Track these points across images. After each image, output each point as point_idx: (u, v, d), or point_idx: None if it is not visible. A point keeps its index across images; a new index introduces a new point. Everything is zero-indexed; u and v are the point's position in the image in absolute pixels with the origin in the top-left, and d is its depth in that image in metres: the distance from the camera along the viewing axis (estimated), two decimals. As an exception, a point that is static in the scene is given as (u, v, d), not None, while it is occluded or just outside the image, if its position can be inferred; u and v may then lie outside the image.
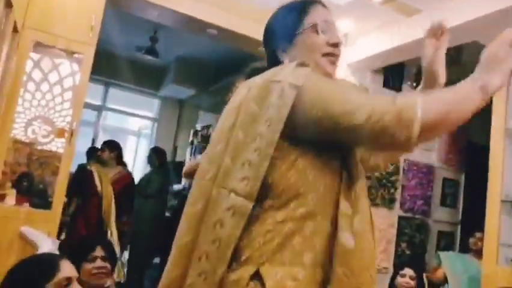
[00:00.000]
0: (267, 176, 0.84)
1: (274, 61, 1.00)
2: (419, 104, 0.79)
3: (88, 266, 1.80)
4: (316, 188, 0.86)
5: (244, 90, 0.93)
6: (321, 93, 0.85)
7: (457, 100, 0.83)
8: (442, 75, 1.07)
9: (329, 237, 0.85)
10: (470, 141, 4.15)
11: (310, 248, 0.83)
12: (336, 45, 0.98)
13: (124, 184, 3.56)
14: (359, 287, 0.83)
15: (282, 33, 1.00)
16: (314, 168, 0.86)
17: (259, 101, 0.87)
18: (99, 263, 1.84)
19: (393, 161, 1.07)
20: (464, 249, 3.37)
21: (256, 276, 0.80)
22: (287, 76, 0.87)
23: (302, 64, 0.90)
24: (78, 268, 1.59)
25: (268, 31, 1.05)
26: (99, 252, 1.86)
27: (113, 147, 3.65)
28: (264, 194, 0.85)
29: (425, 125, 0.78)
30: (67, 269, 1.33)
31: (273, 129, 0.84)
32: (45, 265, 1.33)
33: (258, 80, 0.92)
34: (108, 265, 1.86)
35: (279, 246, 0.82)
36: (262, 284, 0.79)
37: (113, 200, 3.34)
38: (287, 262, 0.81)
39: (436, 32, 1.05)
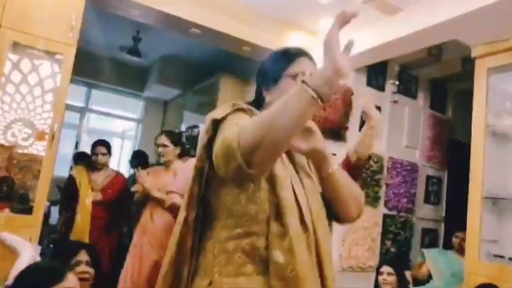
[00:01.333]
0: (212, 201, 1.05)
1: (258, 95, 1.18)
2: (236, 135, 0.85)
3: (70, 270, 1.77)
4: (247, 211, 0.99)
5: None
6: (218, 133, 0.99)
7: (275, 112, 0.83)
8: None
9: (266, 250, 0.97)
10: (452, 138, 4.22)
11: (251, 260, 0.97)
12: None
13: (118, 190, 3.27)
14: None
15: (268, 74, 1.15)
16: (245, 194, 0.99)
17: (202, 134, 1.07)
18: (82, 267, 1.80)
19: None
20: (448, 245, 3.43)
21: (210, 286, 0.97)
22: (212, 113, 1.04)
23: (233, 105, 1.05)
24: None
25: (260, 69, 1.20)
26: (83, 256, 1.83)
27: (109, 147, 3.37)
28: (214, 215, 1.04)
29: (246, 152, 0.83)
30: (72, 280, 1.41)
31: (198, 158, 1.05)
32: (52, 272, 1.40)
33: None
34: (91, 270, 1.83)
35: (224, 260, 0.98)
36: None
37: (89, 213, 3.08)
38: (233, 274, 0.97)
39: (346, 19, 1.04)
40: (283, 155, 1.05)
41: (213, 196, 1.04)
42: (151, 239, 2.61)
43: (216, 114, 1.02)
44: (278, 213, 0.98)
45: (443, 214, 4.12)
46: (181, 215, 1.05)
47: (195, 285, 1.01)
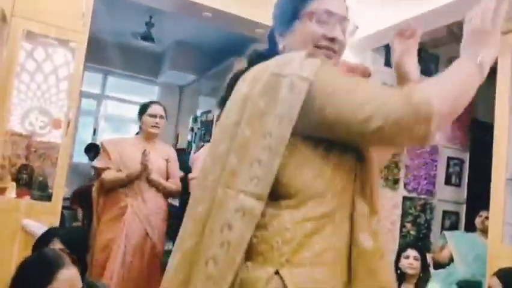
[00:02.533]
0: (280, 175, 0.81)
1: (272, 43, 0.97)
2: (433, 98, 0.77)
3: None
4: (334, 186, 0.83)
5: (246, 84, 0.88)
6: (333, 94, 0.80)
7: (461, 85, 0.82)
8: (413, 76, 1.06)
9: (347, 236, 0.83)
10: (474, 118, 4.08)
11: (330, 247, 0.81)
12: (332, 40, 0.92)
13: None
14: (382, 286, 0.82)
15: (282, 16, 0.96)
16: (330, 166, 0.83)
17: (266, 96, 0.82)
18: None
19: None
20: (470, 228, 3.35)
21: (276, 277, 0.77)
22: (296, 69, 0.82)
23: (311, 55, 0.85)
24: None
25: (273, 11, 1.00)
26: (56, 245, 1.70)
27: None
28: (279, 194, 0.82)
29: (440, 118, 0.77)
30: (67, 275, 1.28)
31: (284, 125, 0.79)
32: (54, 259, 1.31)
33: (262, 72, 0.86)
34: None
35: (298, 246, 0.79)
36: (284, 286, 0.76)
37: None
38: (307, 263, 0.78)
39: (404, 33, 1.05)
40: None
41: (282, 171, 0.81)
42: (144, 220, 2.44)
43: (304, 71, 0.81)
44: (363, 187, 0.85)
45: (465, 196, 4.02)
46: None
47: (249, 276, 0.78)
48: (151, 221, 2.45)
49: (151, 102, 2.72)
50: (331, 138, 0.84)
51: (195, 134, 5.27)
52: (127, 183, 2.45)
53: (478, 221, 3.13)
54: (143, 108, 2.65)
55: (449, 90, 0.81)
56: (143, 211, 2.44)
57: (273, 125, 0.80)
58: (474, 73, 0.82)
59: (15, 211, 2.41)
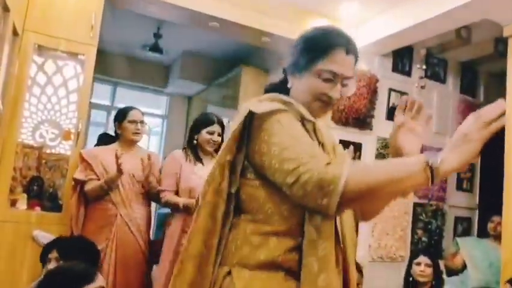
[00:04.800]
0: (241, 192, 1.00)
1: (284, 78, 1.11)
2: (343, 178, 0.82)
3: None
4: (281, 211, 0.97)
5: None
6: (273, 143, 0.93)
7: (389, 177, 0.84)
8: (407, 153, 1.03)
9: (291, 251, 0.96)
10: (485, 123, 4.03)
11: (273, 258, 0.95)
12: (330, 98, 1.04)
13: None
14: None
15: (296, 62, 1.06)
16: (279, 193, 0.94)
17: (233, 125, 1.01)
18: (53, 264, 1.88)
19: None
20: (483, 234, 3.29)
21: (229, 275, 0.95)
22: (252, 103, 0.99)
23: (274, 99, 1.01)
24: None
25: (292, 51, 1.09)
26: (53, 254, 1.91)
27: None
28: (242, 208, 1.01)
29: (345, 198, 0.83)
30: (100, 279, 1.49)
31: (225, 149, 0.99)
32: (83, 273, 1.46)
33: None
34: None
35: (247, 253, 0.96)
36: (233, 282, 0.94)
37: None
38: (253, 267, 0.95)
39: (403, 107, 1.05)
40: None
41: (242, 189, 1.00)
42: (134, 228, 2.39)
43: (255, 107, 0.96)
44: (313, 217, 0.94)
45: (477, 202, 3.96)
46: (206, 208, 0.99)
47: (216, 273, 0.98)
48: (141, 231, 2.40)
49: (129, 108, 2.58)
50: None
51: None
52: (109, 190, 2.36)
53: (490, 226, 3.08)
54: (122, 115, 2.54)
55: (367, 177, 0.84)
56: (133, 220, 2.38)
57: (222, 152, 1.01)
58: (414, 173, 0.81)
59: (26, 222, 2.44)
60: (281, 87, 1.09)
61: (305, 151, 0.89)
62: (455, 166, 0.81)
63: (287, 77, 1.09)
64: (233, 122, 0.99)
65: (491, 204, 3.15)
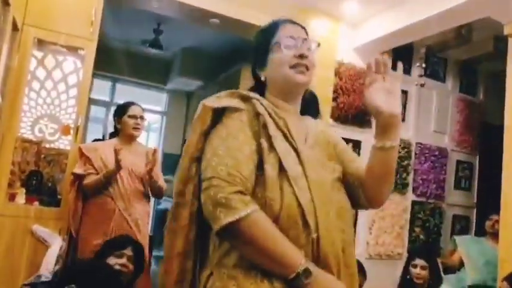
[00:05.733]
0: None
1: (255, 76, 1.12)
2: (230, 218, 0.85)
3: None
4: None
5: None
6: (210, 142, 0.97)
7: (269, 253, 0.87)
8: (383, 112, 0.95)
9: None
10: (484, 121, 4.05)
11: (242, 262, 0.92)
12: (301, 56, 1.03)
13: None
14: None
15: (257, 54, 1.09)
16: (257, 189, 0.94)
17: None
18: (124, 260, 1.96)
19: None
20: (481, 232, 3.31)
21: (211, 276, 0.95)
22: (209, 99, 1.00)
23: (233, 94, 1.01)
24: None
25: (251, 52, 1.13)
26: (128, 251, 1.99)
27: None
28: None
29: (230, 233, 0.87)
30: None
31: (191, 145, 0.99)
32: None
33: None
34: (131, 266, 1.97)
35: (224, 253, 0.94)
36: (215, 284, 0.93)
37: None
38: (231, 266, 0.93)
39: (372, 65, 0.98)
40: (280, 141, 0.97)
41: None
42: (133, 224, 2.38)
43: (212, 102, 0.99)
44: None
45: (475, 200, 3.98)
46: (186, 208, 0.99)
47: (200, 276, 0.99)
48: (139, 225, 2.39)
49: (130, 103, 2.58)
50: None
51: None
52: (107, 184, 2.35)
53: (488, 224, 3.09)
54: (122, 110, 2.55)
55: (259, 240, 0.87)
56: (132, 215, 2.37)
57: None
58: (286, 269, 0.87)
59: (24, 217, 2.43)
60: (256, 87, 1.11)
61: (230, 166, 0.90)
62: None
63: (259, 76, 1.10)
64: (194, 119, 1.00)
65: (489, 203, 3.16)
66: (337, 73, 3.33)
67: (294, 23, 1.10)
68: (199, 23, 3.36)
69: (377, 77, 0.96)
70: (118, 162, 2.28)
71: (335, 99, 3.33)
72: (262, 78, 1.08)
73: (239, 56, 4.68)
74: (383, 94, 0.95)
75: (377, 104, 0.94)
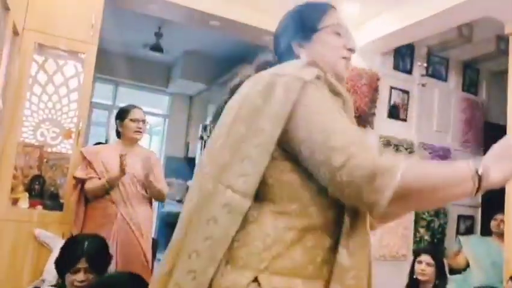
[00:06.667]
0: (267, 176, 0.81)
1: (288, 54, 0.97)
2: (399, 172, 0.71)
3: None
4: (321, 199, 0.82)
5: (248, 85, 0.89)
6: (314, 112, 0.80)
7: (442, 181, 0.75)
8: None
9: (329, 251, 0.82)
10: (487, 121, 4.02)
11: (311, 261, 0.80)
12: (351, 50, 0.98)
13: None
14: None
15: (302, 27, 0.97)
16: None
17: (264, 95, 0.82)
18: (81, 276, 1.72)
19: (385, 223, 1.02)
20: (486, 233, 3.28)
21: (254, 283, 0.77)
22: (294, 70, 0.83)
23: (311, 64, 0.87)
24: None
25: (286, 23, 1.02)
26: (82, 264, 1.73)
27: None
28: (264, 195, 0.82)
29: (398, 196, 0.72)
30: None
31: (276, 123, 0.79)
32: None
33: (265, 74, 0.87)
34: (90, 276, 1.73)
35: (279, 254, 0.78)
36: None
37: None
38: (286, 272, 0.78)
39: None
40: None
41: (268, 171, 0.81)
42: (135, 228, 2.35)
43: (301, 73, 0.82)
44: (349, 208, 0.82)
45: (480, 200, 3.95)
46: None
47: (225, 279, 0.78)
48: (141, 229, 2.36)
49: (131, 107, 2.57)
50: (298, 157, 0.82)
51: (205, 142, 5.29)
52: (109, 189, 2.33)
53: (493, 224, 3.06)
54: (124, 113, 2.53)
55: (427, 179, 0.75)
56: (134, 219, 2.35)
57: (266, 123, 0.80)
58: (464, 180, 0.74)
59: (27, 221, 2.43)
60: (279, 62, 0.97)
61: (357, 131, 0.79)
62: (500, 179, 0.75)
63: (294, 49, 0.97)
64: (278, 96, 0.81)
65: (494, 203, 3.13)
66: (338, 74, 3.32)
67: (335, 8, 1.01)
68: (199, 25, 3.37)
69: None
70: (123, 168, 2.27)
71: (352, 110, 3.32)
72: (303, 56, 0.95)
73: (240, 57, 4.67)
74: None
75: None
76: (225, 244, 0.78)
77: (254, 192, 0.79)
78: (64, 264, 1.76)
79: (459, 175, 0.75)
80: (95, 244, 1.83)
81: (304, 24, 0.97)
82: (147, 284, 1.55)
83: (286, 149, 0.82)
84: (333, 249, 0.82)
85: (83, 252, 1.75)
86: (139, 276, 1.68)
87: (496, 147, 0.77)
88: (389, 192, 0.71)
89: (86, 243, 1.79)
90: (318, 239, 0.81)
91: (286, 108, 0.79)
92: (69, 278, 1.73)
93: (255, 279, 0.77)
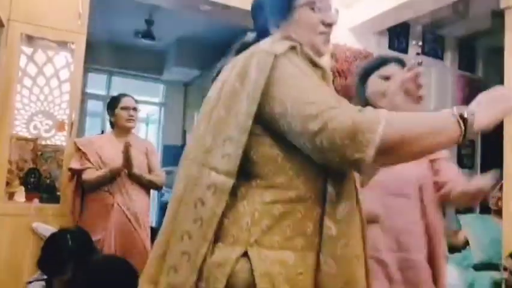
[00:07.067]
0: (250, 152, 0.82)
1: (264, 35, 0.95)
2: (381, 126, 0.71)
3: None
4: (306, 170, 0.82)
5: (226, 70, 0.91)
6: (287, 85, 0.80)
7: (426, 130, 0.75)
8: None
9: (320, 222, 0.82)
10: (484, 98, 4.01)
11: (301, 233, 0.80)
12: (330, 25, 0.96)
13: None
14: (345, 279, 0.79)
15: (276, 6, 0.95)
16: (298, 150, 0.81)
17: (241, 77, 0.83)
18: None
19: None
20: (485, 210, 3.29)
21: (244, 258, 0.78)
22: (266, 47, 0.84)
23: (286, 37, 0.87)
24: None
25: (260, 2, 0.99)
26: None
27: None
28: (250, 171, 0.83)
29: (381, 150, 0.72)
30: None
31: (252, 101, 0.80)
32: None
33: (241, 57, 0.88)
34: None
35: (268, 228, 0.79)
36: (250, 267, 0.77)
37: None
38: (277, 246, 0.78)
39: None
40: None
41: (253, 148, 0.82)
42: (132, 217, 2.35)
43: (272, 47, 0.83)
44: (335, 172, 0.82)
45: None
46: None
47: (217, 256, 0.79)
48: (138, 219, 2.36)
49: (121, 95, 2.57)
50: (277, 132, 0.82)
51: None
52: (110, 180, 2.33)
53: (491, 201, 3.07)
54: (114, 102, 2.53)
55: (405, 128, 0.75)
56: (131, 209, 2.34)
57: (243, 103, 0.81)
58: (448, 126, 0.76)
59: (25, 215, 2.43)
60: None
61: (332, 95, 0.80)
62: (485, 123, 0.77)
63: (269, 30, 0.95)
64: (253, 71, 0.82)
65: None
66: (333, 55, 3.27)
67: None
68: (189, 10, 3.31)
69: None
70: (128, 158, 2.25)
71: (331, 82, 3.28)
72: (278, 36, 0.91)
73: (234, 42, 4.62)
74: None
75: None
76: (213, 223, 0.79)
77: (236, 169, 0.80)
78: (50, 268, 1.77)
79: (442, 121, 0.76)
80: (80, 242, 1.84)
81: (277, 5, 0.95)
82: (135, 270, 1.59)
83: (267, 124, 0.82)
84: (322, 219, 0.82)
85: (69, 255, 1.76)
86: (127, 262, 1.69)
87: (481, 96, 0.80)
88: (372, 148, 0.71)
89: (69, 243, 1.81)
90: (307, 210, 0.81)
91: (259, 84, 0.80)
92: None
93: (245, 254, 0.78)
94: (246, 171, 0.82)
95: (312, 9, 0.93)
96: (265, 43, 0.87)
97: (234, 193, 0.81)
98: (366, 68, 1.48)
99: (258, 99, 0.79)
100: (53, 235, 2.05)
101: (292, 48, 0.85)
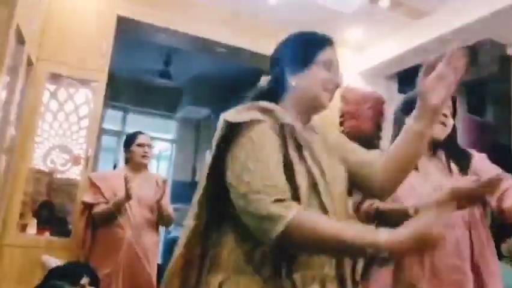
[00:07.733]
0: (230, 196, 0.94)
1: (281, 79, 1.07)
2: (284, 222, 0.83)
3: None
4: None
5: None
6: (234, 157, 0.93)
7: (332, 239, 0.83)
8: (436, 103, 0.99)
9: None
10: (496, 142, 4.00)
11: (269, 262, 0.91)
12: (337, 86, 1.07)
13: None
14: None
15: (297, 58, 1.06)
16: None
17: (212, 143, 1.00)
18: None
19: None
20: (497, 256, 3.20)
21: (225, 283, 0.92)
22: (230, 113, 0.97)
23: (251, 108, 0.98)
24: None
25: (283, 50, 1.11)
26: (85, 280, 1.76)
27: None
28: (229, 213, 0.96)
29: (284, 240, 0.84)
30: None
31: (205, 172, 0.97)
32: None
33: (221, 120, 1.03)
34: None
35: (241, 257, 0.93)
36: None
37: None
38: (249, 273, 0.92)
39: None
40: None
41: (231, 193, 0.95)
42: (142, 254, 2.37)
43: (231, 117, 0.95)
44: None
45: (489, 222, 3.88)
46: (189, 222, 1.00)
47: (207, 281, 0.95)
48: (148, 255, 2.38)
49: (138, 133, 2.66)
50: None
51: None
52: (116, 213, 2.36)
53: (504, 247, 3.00)
54: (131, 139, 2.62)
55: (313, 233, 0.84)
56: (141, 244, 2.37)
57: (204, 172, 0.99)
58: (358, 247, 0.82)
59: (35, 247, 2.44)
60: (276, 89, 1.08)
61: (263, 178, 0.88)
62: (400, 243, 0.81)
63: (286, 77, 1.06)
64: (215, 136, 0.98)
65: (504, 226, 3.08)
66: (343, 98, 3.35)
67: (333, 44, 1.10)
68: (206, 52, 3.45)
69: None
70: (127, 190, 2.29)
71: (341, 123, 3.34)
72: (293, 83, 1.05)
73: (247, 82, 4.72)
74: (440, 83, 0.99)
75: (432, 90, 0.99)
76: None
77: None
78: (64, 275, 1.74)
79: (360, 239, 0.81)
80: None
81: (301, 56, 1.06)
82: None
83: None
84: None
85: (87, 271, 1.80)
86: None
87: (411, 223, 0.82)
88: (273, 237, 0.84)
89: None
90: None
91: (217, 143, 0.96)
92: None
93: (225, 280, 0.93)
94: (228, 212, 0.98)
95: (327, 68, 1.05)
96: (234, 109, 0.99)
97: (221, 229, 1.00)
98: (414, 98, 1.55)
99: (210, 171, 0.98)
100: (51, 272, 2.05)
101: (259, 118, 0.96)
